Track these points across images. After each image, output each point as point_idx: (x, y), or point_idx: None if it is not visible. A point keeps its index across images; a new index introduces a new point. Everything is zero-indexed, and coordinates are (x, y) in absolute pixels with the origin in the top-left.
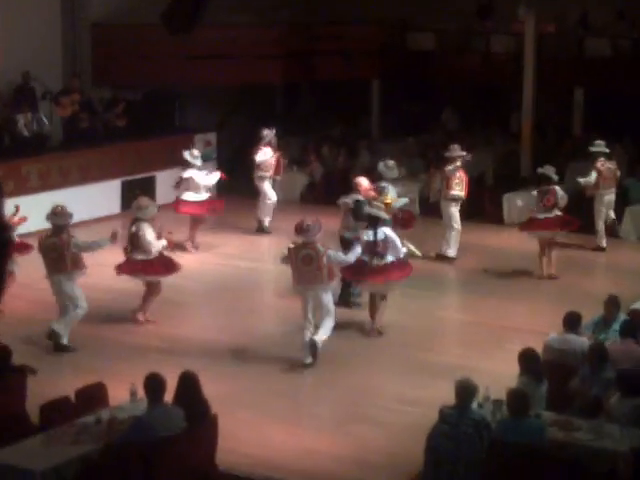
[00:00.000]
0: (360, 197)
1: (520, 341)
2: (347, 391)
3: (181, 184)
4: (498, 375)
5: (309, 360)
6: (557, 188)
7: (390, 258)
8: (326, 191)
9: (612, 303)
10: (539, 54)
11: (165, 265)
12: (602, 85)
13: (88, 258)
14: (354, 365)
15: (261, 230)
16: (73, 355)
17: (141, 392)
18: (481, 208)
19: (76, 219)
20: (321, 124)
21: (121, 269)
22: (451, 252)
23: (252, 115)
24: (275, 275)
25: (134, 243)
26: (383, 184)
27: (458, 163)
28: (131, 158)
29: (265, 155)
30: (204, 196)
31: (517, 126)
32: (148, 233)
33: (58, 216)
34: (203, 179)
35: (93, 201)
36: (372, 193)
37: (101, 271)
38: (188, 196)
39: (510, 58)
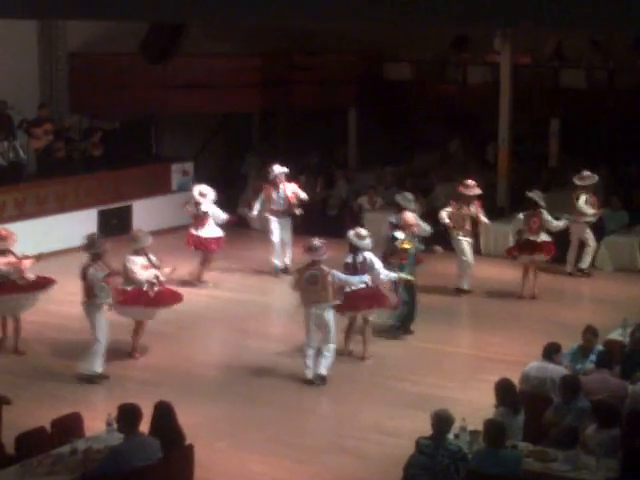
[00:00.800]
0: (399, 233)
1: (497, 371)
2: (325, 421)
3: (198, 219)
4: (475, 406)
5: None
6: (543, 212)
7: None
8: (303, 220)
9: (590, 333)
10: (515, 84)
11: (159, 297)
12: (578, 115)
13: (64, 287)
14: (332, 394)
15: (284, 271)
16: (49, 385)
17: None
18: None
19: (52, 248)
20: (298, 153)
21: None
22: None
23: (229, 144)
24: (256, 305)
25: (124, 275)
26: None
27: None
28: (108, 187)
29: (275, 193)
30: (220, 232)
31: (493, 156)
32: (132, 263)
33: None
34: (219, 215)
35: (70, 230)
36: (415, 230)
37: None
38: (206, 232)
39: (486, 88)
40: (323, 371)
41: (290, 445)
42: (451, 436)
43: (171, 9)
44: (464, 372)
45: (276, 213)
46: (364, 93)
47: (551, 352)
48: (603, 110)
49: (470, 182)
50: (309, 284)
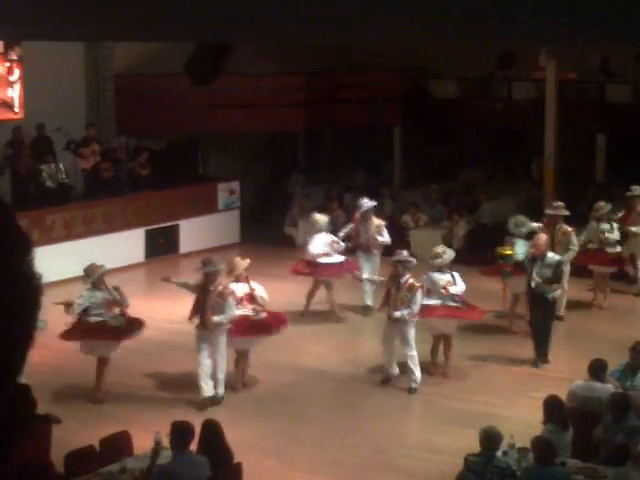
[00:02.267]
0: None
1: (545, 388)
2: (371, 438)
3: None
4: (523, 423)
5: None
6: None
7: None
8: (349, 239)
9: (636, 351)
10: (560, 100)
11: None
12: (624, 130)
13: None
14: (379, 411)
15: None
16: (97, 404)
17: (166, 440)
18: None
19: None
20: (344, 172)
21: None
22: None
23: (275, 163)
24: (296, 324)
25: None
26: (514, 240)
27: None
28: (155, 207)
29: (362, 227)
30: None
31: (538, 173)
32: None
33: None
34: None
35: (117, 250)
36: (543, 249)
37: None
38: (330, 259)
39: (532, 104)
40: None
41: (337, 463)
42: (499, 453)
43: (217, 29)
44: (512, 389)
45: (363, 247)
46: (409, 111)
47: (597, 370)
48: None
49: (559, 203)
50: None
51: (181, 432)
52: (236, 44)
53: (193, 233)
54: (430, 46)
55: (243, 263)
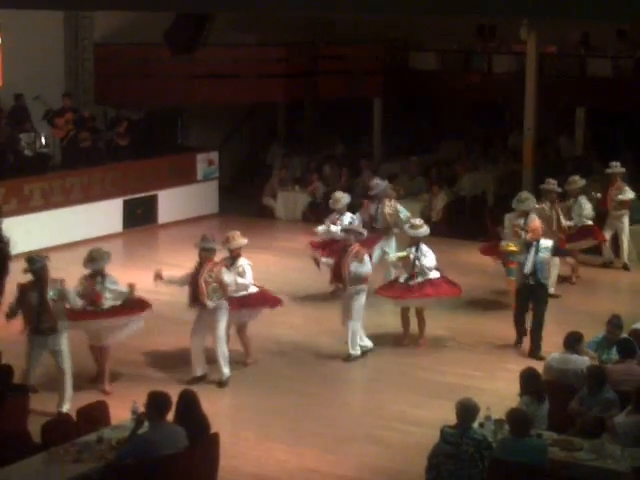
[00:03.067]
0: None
1: (522, 361)
2: (349, 410)
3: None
4: (500, 395)
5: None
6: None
7: (430, 275)
8: (328, 210)
9: (615, 323)
10: (541, 73)
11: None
12: (603, 105)
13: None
14: (356, 384)
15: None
16: (74, 374)
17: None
18: (483, 227)
19: (78, 237)
20: (323, 143)
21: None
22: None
23: (254, 134)
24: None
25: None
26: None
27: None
28: (133, 177)
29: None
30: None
31: (516, 146)
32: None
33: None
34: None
35: (95, 220)
36: (540, 234)
37: None
38: None
39: (512, 77)
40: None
41: (315, 434)
42: (476, 425)
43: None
44: (489, 361)
45: (381, 231)
46: (389, 83)
47: (573, 342)
48: (629, 98)
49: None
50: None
51: (158, 402)
52: (216, 15)
53: (172, 203)
54: (411, 18)
55: (241, 240)
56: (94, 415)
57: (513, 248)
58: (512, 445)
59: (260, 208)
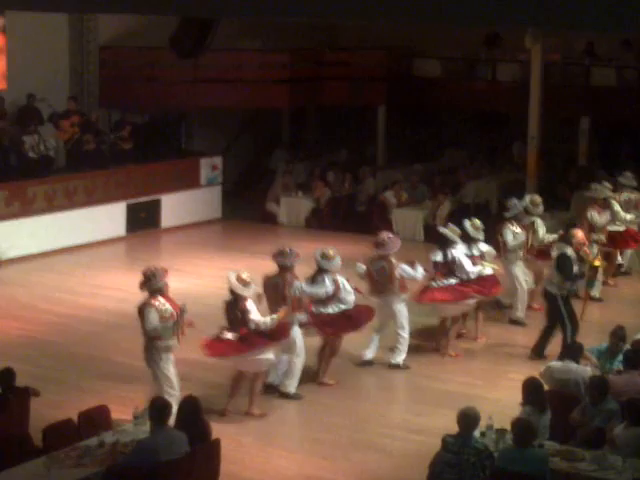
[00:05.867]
0: (568, 249)
1: (525, 370)
2: (351, 418)
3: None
4: (502, 404)
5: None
6: None
7: (452, 281)
8: (331, 216)
9: (616, 337)
10: (545, 82)
11: None
12: (608, 114)
13: (92, 279)
14: (358, 391)
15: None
16: (76, 378)
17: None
18: (486, 236)
19: (81, 241)
20: (327, 150)
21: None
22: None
23: (258, 139)
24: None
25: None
26: (532, 219)
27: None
28: (137, 181)
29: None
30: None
31: (519, 155)
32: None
33: (285, 256)
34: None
35: (98, 223)
36: (585, 245)
37: (107, 294)
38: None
39: (516, 86)
40: (393, 360)
41: (316, 441)
42: (477, 434)
43: (202, 4)
44: (492, 370)
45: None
46: (393, 90)
47: (573, 352)
48: (633, 109)
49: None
50: (378, 275)
51: (159, 408)
52: (220, 20)
53: (175, 208)
54: (415, 26)
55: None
56: (95, 419)
57: (600, 262)
58: (513, 455)
59: (263, 213)
